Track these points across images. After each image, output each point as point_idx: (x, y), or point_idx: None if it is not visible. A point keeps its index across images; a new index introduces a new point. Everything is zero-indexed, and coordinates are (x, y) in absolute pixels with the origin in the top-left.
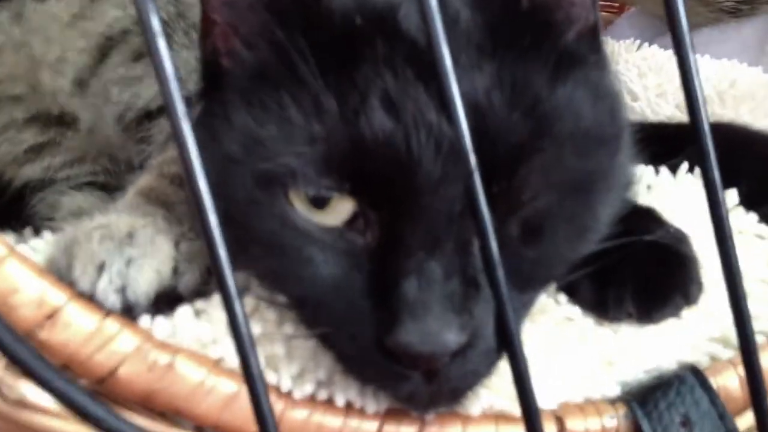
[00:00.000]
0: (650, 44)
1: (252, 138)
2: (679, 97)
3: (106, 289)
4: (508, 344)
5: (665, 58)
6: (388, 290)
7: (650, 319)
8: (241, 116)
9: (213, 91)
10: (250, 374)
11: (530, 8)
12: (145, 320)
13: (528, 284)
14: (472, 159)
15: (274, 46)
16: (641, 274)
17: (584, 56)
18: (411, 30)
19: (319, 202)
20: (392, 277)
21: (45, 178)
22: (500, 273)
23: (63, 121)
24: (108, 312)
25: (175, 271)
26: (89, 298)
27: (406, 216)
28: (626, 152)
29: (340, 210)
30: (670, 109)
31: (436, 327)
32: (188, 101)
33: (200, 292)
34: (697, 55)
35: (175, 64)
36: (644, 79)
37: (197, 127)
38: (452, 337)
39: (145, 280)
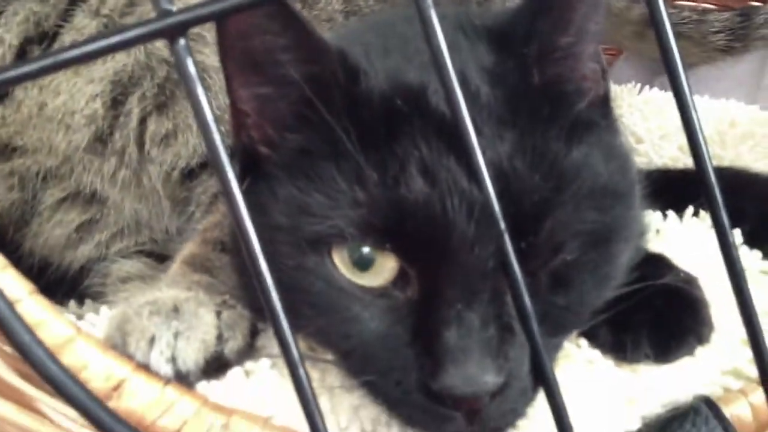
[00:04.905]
0: (650, 84)
1: (298, 207)
2: (681, 138)
3: (159, 360)
4: (545, 383)
5: (666, 100)
6: (431, 339)
7: (666, 359)
8: (286, 189)
9: (253, 169)
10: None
11: (542, 83)
12: (201, 385)
13: (557, 329)
14: (502, 223)
15: (317, 125)
16: (656, 318)
17: (596, 122)
18: (441, 105)
19: (363, 264)
20: (434, 327)
21: (100, 255)
22: (533, 324)
23: (95, 199)
24: (167, 380)
25: (220, 338)
26: (147, 369)
27: (444, 272)
28: (639, 205)
29: (383, 270)
30: (673, 150)
31: (476, 370)
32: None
33: (248, 353)
34: (696, 96)
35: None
36: (647, 122)
37: None
38: (491, 379)
39: (193, 349)
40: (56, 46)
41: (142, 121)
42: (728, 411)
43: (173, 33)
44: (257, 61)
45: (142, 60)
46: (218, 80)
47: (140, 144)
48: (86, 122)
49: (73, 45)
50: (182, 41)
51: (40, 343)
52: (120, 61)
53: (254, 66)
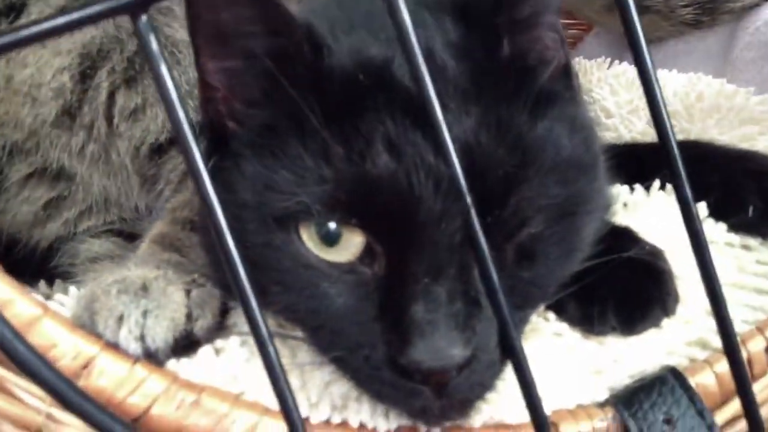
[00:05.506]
0: (620, 59)
1: (265, 184)
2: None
3: (127, 338)
4: (513, 356)
5: (635, 74)
6: (398, 314)
7: (632, 331)
8: (252, 166)
9: (220, 146)
10: (287, 408)
11: (510, 55)
12: (171, 363)
13: (524, 302)
14: (468, 197)
15: (282, 102)
16: (622, 290)
17: (559, 94)
18: (405, 80)
19: (330, 240)
20: (401, 302)
21: (68, 233)
22: (501, 297)
23: (62, 175)
24: (136, 359)
25: (189, 317)
26: (116, 347)
27: (411, 248)
28: (603, 177)
29: (350, 246)
30: (642, 125)
31: (443, 344)
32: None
33: (218, 331)
34: (665, 70)
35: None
36: (616, 96)
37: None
38: (458, 352)
39: (162, 327)
40: (23, 17)
41: (111, 95)
42: (694, 381)
43: (135, 9)
44: (225, 33)
45: (111, 33)
46: (188, 54)
47: (109, 118)
48: (54, 95)
49: (34, 22)
50: (144, 18)
51: (6, 322)
52: (88, 33)
53: (222, 38)
